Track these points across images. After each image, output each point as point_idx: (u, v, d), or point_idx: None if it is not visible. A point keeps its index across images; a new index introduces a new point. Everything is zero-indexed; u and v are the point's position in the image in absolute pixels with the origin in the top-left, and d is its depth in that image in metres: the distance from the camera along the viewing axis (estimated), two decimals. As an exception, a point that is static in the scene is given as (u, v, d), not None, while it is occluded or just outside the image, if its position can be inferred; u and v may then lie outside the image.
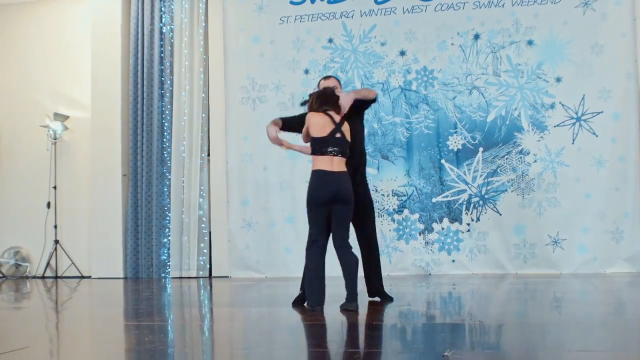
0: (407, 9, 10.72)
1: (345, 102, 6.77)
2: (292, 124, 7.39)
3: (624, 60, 10.05)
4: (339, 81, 7.34)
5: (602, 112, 10.03)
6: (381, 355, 4.55)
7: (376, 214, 10.13)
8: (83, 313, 7.56)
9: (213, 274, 11.17)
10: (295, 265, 10.78)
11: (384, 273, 7.75)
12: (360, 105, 7.04)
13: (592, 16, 10.15)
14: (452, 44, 10.54)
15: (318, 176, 6.66)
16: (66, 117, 12.04)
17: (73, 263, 11.86)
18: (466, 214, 10.35)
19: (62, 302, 8.67)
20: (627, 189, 9.95)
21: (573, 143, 10.10)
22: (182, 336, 5.78)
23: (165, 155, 11.46)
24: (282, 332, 5.79)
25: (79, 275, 11.78)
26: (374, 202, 7.42)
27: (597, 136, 10.04)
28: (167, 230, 11.34)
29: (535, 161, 10.17)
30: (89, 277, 11.63)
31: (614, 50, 10.07)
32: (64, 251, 11.91)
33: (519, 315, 6.43)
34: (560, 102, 10.15)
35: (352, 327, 5.75)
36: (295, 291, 9.07)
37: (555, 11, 10.26)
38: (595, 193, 10.01)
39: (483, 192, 10.29)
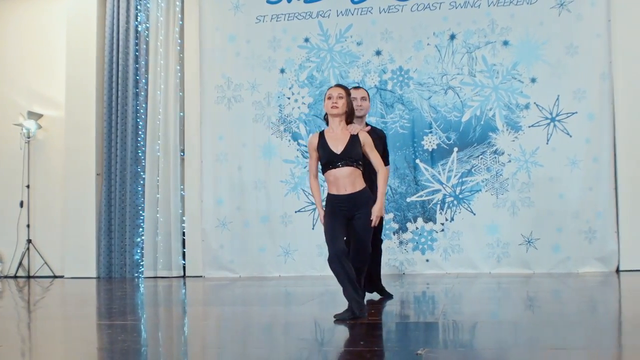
0: (384, 9, 10.72)
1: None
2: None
3: (598, 61, 10.09)
4: (367, 92, 7.27)
5: (576, 112, 10.08)
6: (355, 353, 4.54)
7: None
8: (56, 312, 7.51)
9: (187, 274, 11.11)
10: (270, 265, 10.79)
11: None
12: None
13: (568, 17, 10.19)
14: (427, 44, 10.55)
15: None
16: (40, 116, 11.94)
17: (46, 263, 11.76)
18: (440, 213, 10.36)
19: (35, 301, 8.61)
20: (601, 189, 10.00)
21: (547, 143, 10.14)
22: (156, 335, 5.75)
23: (140, 154, 11.39)
24: (256, 331, 5.77)
25: (52, 275, 11.69)
26: None
27: (571, 136, 10.08)
28: (140, 229, 11.27)
29: (510, 161, 10.20)
30: (62, 276, 11.53)
31: (588, 51, 10.11)
32: (37, 251, 11.80)
33: (493, 314, 6.46)
34: (534, 103, 10.18)
35: (326, 326, 5.73)
36: (269, 290, 9.07)
37: (530, 12, 10.29)
38: (569, 193, 10.05)
39: (457, 191, 10.31)
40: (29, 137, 11.91)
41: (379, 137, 7.02)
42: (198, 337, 5.64)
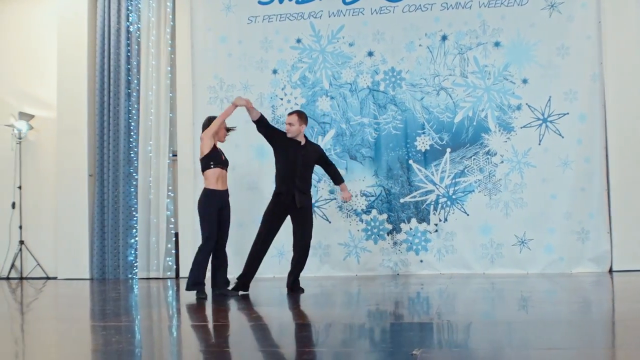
0: (375, 10, 10.73)
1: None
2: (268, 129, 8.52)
3: (589, 62, 10.13)
4: (299, 116, 8.35)
5: (567, 113, 10.12)
6: (350, 354, 4.55)
7: (345, 214, 10.43)
8: (49, 314, 7.49)
9: (180, 275, 11.09)
10: (264, 266, 10.76)
11: (352, 273, 9.72)
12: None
13: (559, 18, 10.22)
14: (419, 45, 10.56)
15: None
16: (31, 117, 11.90)
17: (38, 264, 11.72)
18: (434, 214, 10.38)
19: (28, 303, 8.59)
20: (593, 189, 10.04)
21: (539, 144, 10.18)
22: (150, 337, 5.74)
23: (132, 155, 11.37)
24: (250, 332, 5.77)
25: (45, 276, 11.65)
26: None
27: (563, 137, 10.12)
28: (134, 230, 11.24)
29: (502, 162, 10.23)
30: (55, 278, 11.49)
31: (579, 52, 10.15)
32: (29, 252, 11.76)
33: (486, 314, 6.47)
34: (526, 104, 10.22)
35: (326, 327, 5.74)
36: (261, 291, 9.10)
37: (521, 13, 10.32)
38: (561, 194, 10.09)
39: (450, 192, 10.33)
40: (20, 138, 11.86)
41: (314, 151, 8.54)
42: (192, 338, 5.64)
